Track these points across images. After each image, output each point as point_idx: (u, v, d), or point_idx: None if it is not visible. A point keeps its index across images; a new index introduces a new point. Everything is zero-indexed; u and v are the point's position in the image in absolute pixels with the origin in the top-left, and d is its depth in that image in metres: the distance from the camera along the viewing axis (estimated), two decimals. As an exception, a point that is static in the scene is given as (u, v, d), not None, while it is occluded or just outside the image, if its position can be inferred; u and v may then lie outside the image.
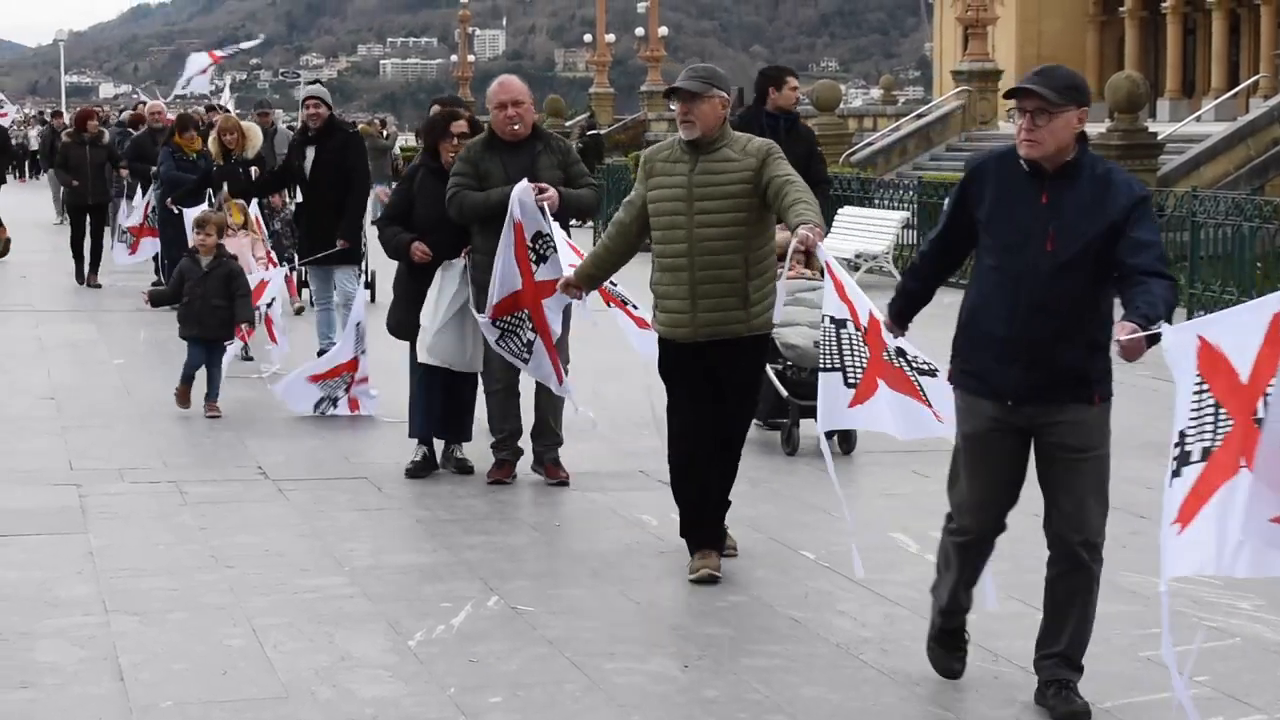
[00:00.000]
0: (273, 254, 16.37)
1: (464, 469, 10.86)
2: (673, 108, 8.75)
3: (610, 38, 68.22)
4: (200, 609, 7.88)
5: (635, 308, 9.78)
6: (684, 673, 7.05)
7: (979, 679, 6.94)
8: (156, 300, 14.33)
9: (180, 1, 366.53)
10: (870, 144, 40.00)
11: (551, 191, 9.97)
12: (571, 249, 9.69)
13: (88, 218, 22.98)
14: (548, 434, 10.66)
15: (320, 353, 14.24)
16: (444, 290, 10.58)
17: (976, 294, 6.54)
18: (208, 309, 13.09)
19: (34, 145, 52.34)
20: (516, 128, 10.19)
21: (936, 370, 7.63)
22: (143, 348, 16.89)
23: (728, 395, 8.47)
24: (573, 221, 11.01)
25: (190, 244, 13.74)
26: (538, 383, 10.37)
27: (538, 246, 9.89)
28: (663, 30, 66.73)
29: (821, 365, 7.86)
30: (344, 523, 9.61)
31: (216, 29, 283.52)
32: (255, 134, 18.05)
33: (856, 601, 8.04)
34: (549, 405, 10.56)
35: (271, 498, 10.27)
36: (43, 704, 6.61)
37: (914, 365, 7.79)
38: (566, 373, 10.30)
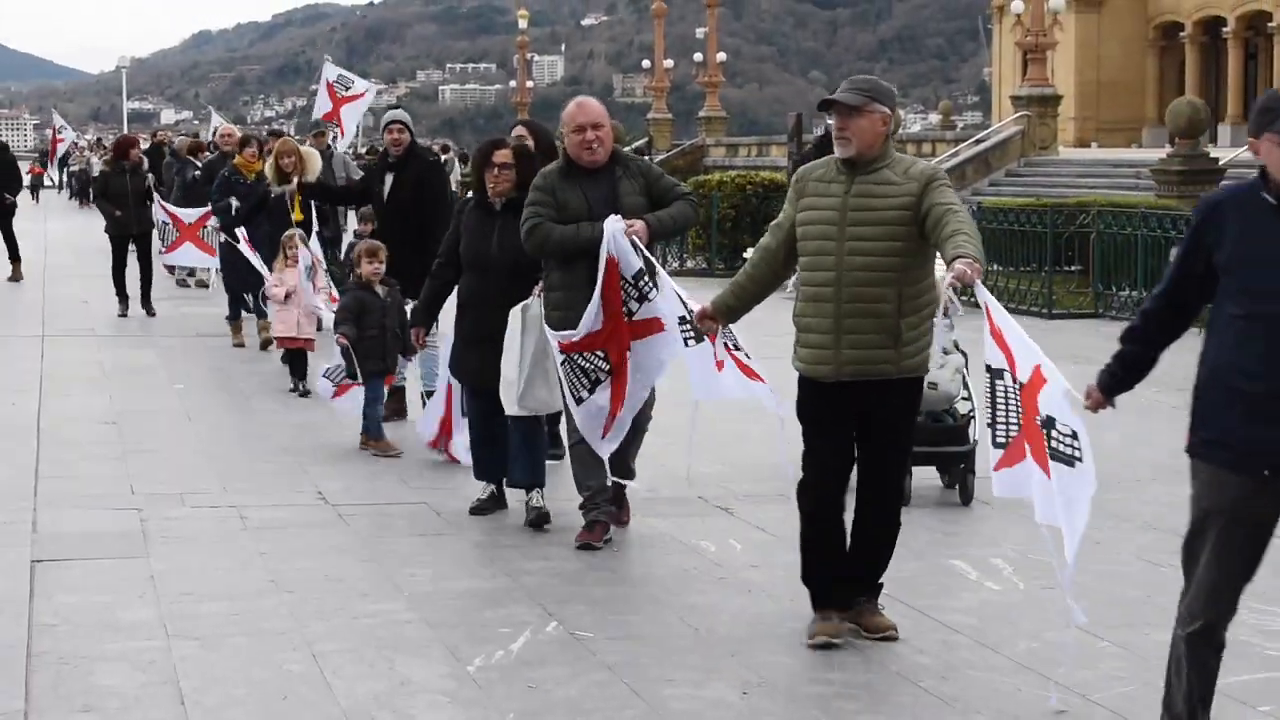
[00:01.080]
0: (334, 290, 15.22)
1: (542, 519, 10.08)
2: (829, 122, 8.31)
3: (669, 63, 68.47)
4: (260, 634, 7.90)
5: (746, 355, 8.85)
6: (743, 699, 7.03)
7: (1036, 708, 6.89)
8: (347, 333, 12.47)
9: (242, 28, 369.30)
10: (929, 170, 39.83)
11: (638, 224, 9.20)
12: (676, 293, 9.01)
13: (130, 247, 22.39)
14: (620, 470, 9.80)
15: (428, 393, 12.99)
16: (526, 337, 9.77)
17: (1218, 348, 5.84)
18: (394, 341, 12.60)
19: (95, 171, 52.57)
20: (596, 153, 9.43)
21: (1077, 459, 6.62)
22: (203, 372, 16.98)
23: (875, 439, 7.81)
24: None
25: (357, 273, 12.85)
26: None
27: (640, 285, 9.14)
28: (721, 56, 66.96)
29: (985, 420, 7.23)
30: (403, 548, 9.63)
31: (277, 55, 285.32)
32: (314, 159, 17.76)
33: (915, 628, 8.00)
34: (628, 441, 9.66)
35: (331, 523, 10.31)
36: (104, 727, 6.64)
37: (1055, 443, 6.68)
38: (630, 436, 9.61)
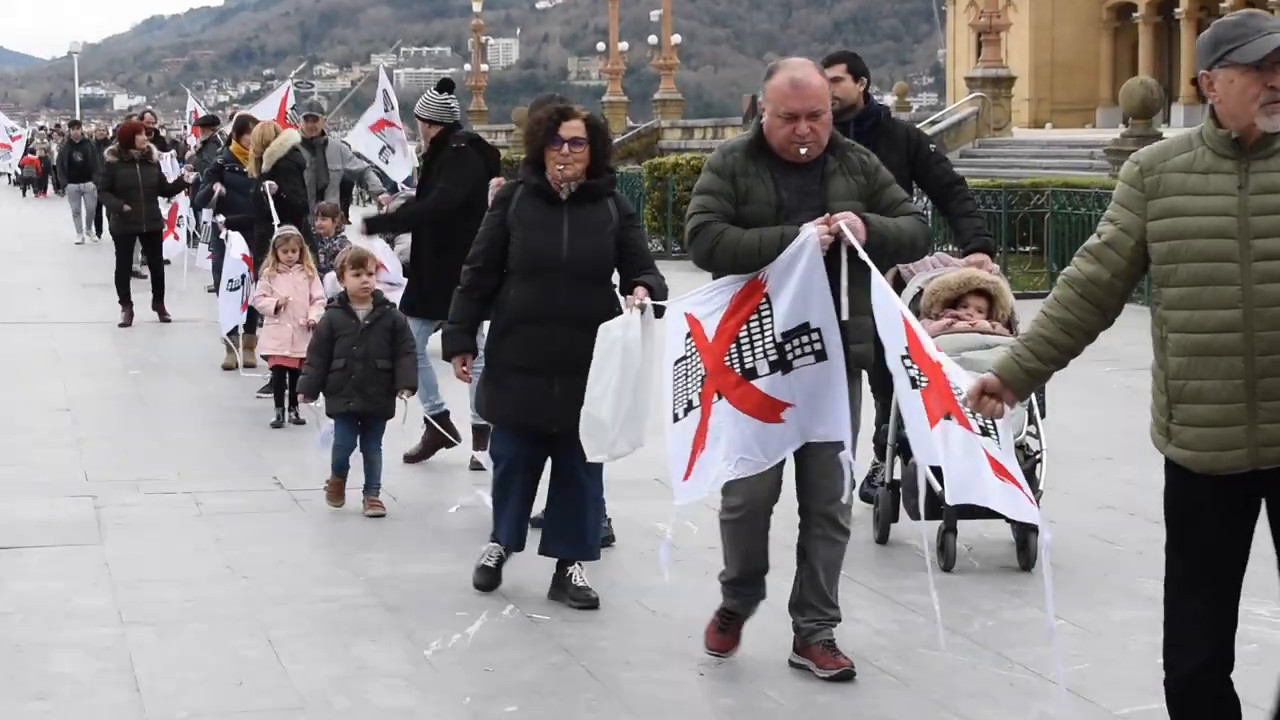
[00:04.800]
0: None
1: (588, 603, 8.10)
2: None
3: (623, 46, 68.41)
4: (216, 620, 7.88)
5: (997, 443, 6.22)
6: (699, 681, 7.04)
7: (993, 685, 6.92)
8: (310, 389, 10.38)
9: (194, 13, 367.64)
10: (884, 151, 39.94)
11: (849, 215, 6.68)
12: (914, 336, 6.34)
13: (137, 246, 20.34)
14: (815, 600, 7.18)
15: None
16: (624, 364, 7.40)
17: None
18: (371, 373, 10.13)
19: (55, 159, 51.49)
20: (810, 153, 6.86)
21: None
22: (157, 358, 16.90)
23: None
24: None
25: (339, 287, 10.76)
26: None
27: (798, 344, 6.74)
28: (676, 38, 66.89)
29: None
30: (359, 533, 9.61)
31: (230, 39, 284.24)
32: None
33: (872, 609, 8.02)
34: (826, 556, 7.12)
35: (287, 508, 10.28)
36: (59, 715, 6.62)
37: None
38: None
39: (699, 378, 6.86)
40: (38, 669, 7.13)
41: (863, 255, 6.56)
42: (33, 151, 56.77)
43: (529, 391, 7.96)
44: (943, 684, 6.95)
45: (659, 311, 7.43)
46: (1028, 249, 25.18)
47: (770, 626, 7.47)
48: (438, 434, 11.52)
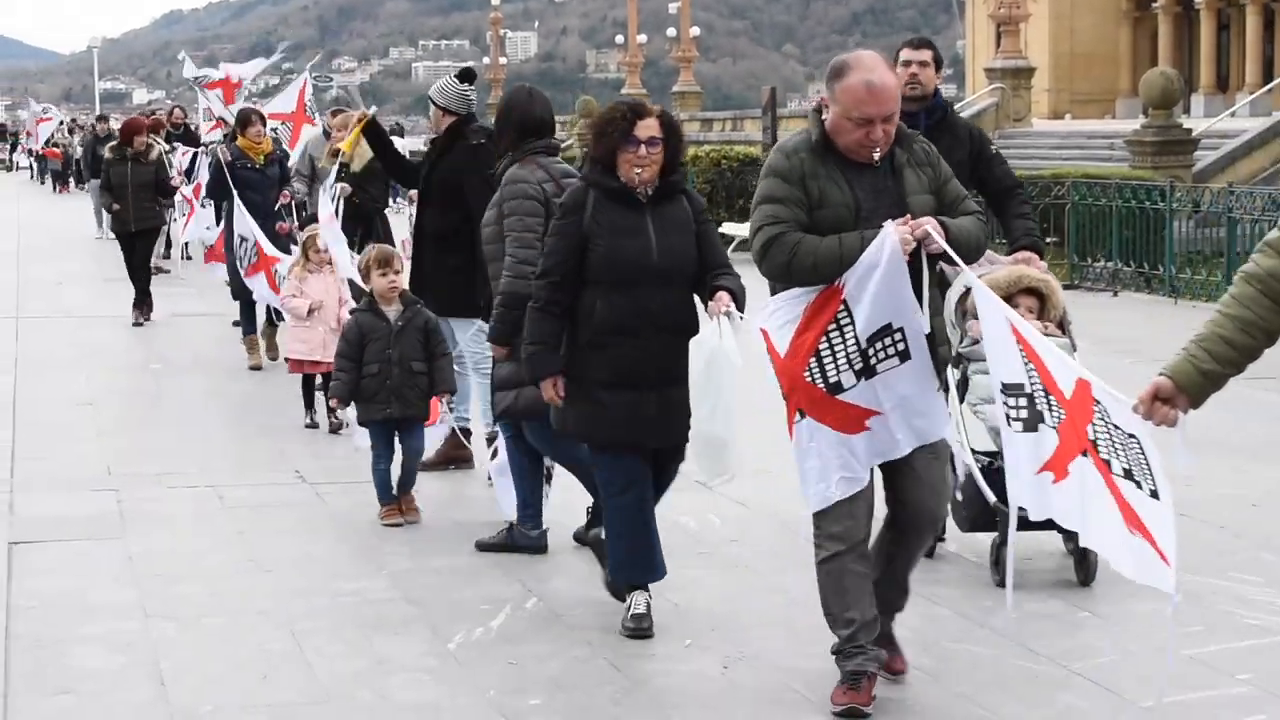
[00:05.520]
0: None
1: (642, 632, 7.56)
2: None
3: (642, 39, 68.29)
4: (239, 613, 7.88)
5: (1138, 484, 5.69)
6: (723, 673, 7.03)
7: (1017, 678, 6.91)
8: (343, 395, 9.95)
9: (213, 7, 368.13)
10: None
11: (929, 221, 6.28)
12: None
13: (135, 246, 19.72)
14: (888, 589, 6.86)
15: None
16: (729, 381, 7.00)
17: None
18: (407, 377, 9.73)
19: (78, 153, 51.27)
20: (876, 156, 6.47)
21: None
22: (179, 352, 16.90)
23: None
24: None
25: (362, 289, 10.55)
26: None
27: (881, 345, 6.31)
28: (695, 30, 66.78)
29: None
30: (382, 527, 9.59)
31: (249, 33, 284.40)
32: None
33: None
34: (909, 558, 6.87)
35: (310, 502, 10.28)
36: (83, 709, 6.62)
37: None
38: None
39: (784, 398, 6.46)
40: (61, 663, 7.14)
41: (955, 258, 6.20)
42: (55, 145, 56.83)
43: (629, 408, 7.40)
44: (968, 677, 6.93)
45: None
46: (1049, 240, 25.09)
47: (793, 618, 7.46)
48: (455, 446, 11.14)
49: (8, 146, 79.47)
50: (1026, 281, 8.62)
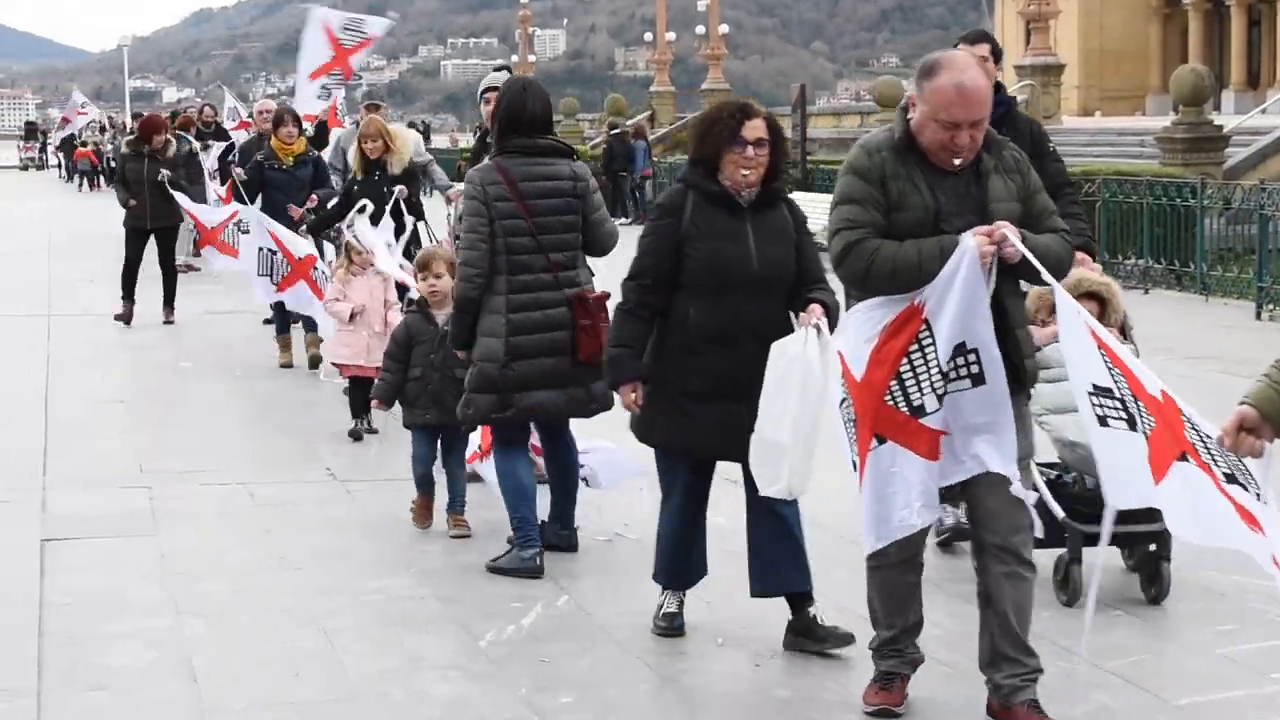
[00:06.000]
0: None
1: (843, 641, 7.29)
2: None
3: (671, 36, 68.36)
4: (270, 611, 7.90)
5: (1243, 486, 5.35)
6: (755, 671, 7.02)
7: (1050, 676, 6.88)
8: (387, 396, 9.73)
9: (242, 5, 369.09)
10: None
11: (1005, 226, 6.01)
12: None
13: (147, 244, 19.40)
14: (1011, 649, 6.40)
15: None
16: (807, 390, 6.59)
17: None
18: (449, 383, 9.22)
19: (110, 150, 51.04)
20: (959, 162, 6.19)
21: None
22: (209, 350, 16.93)
23: None
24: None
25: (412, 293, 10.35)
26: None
27: (958, 367, 6.06)
28: (723, 28, 66.84)
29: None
30: (412, 524, 9.59)
31: (279, 31, 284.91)
32: (407, 143, 14.32)
33: (925, 599, 7.97)
34: (1015, 597, 6.36)
35: (340, 499, 10.29)
36: (117, 706, 6.64)
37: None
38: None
39: (854, 423, 6.21)
40: (94, 660, 7.16)
41: (1038, 266, 5.90)
42: (85, 144, 57.07)
43: (719, 419, 7.12)
44: (1000, 675, 6.90)
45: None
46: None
47: (826, 618, 7.44)
48: None
49: (37, 145, 79.86)
50: (1086, 285, 8.29)
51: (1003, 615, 6.28)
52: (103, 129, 60.79)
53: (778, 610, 7.55)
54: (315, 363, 15.09)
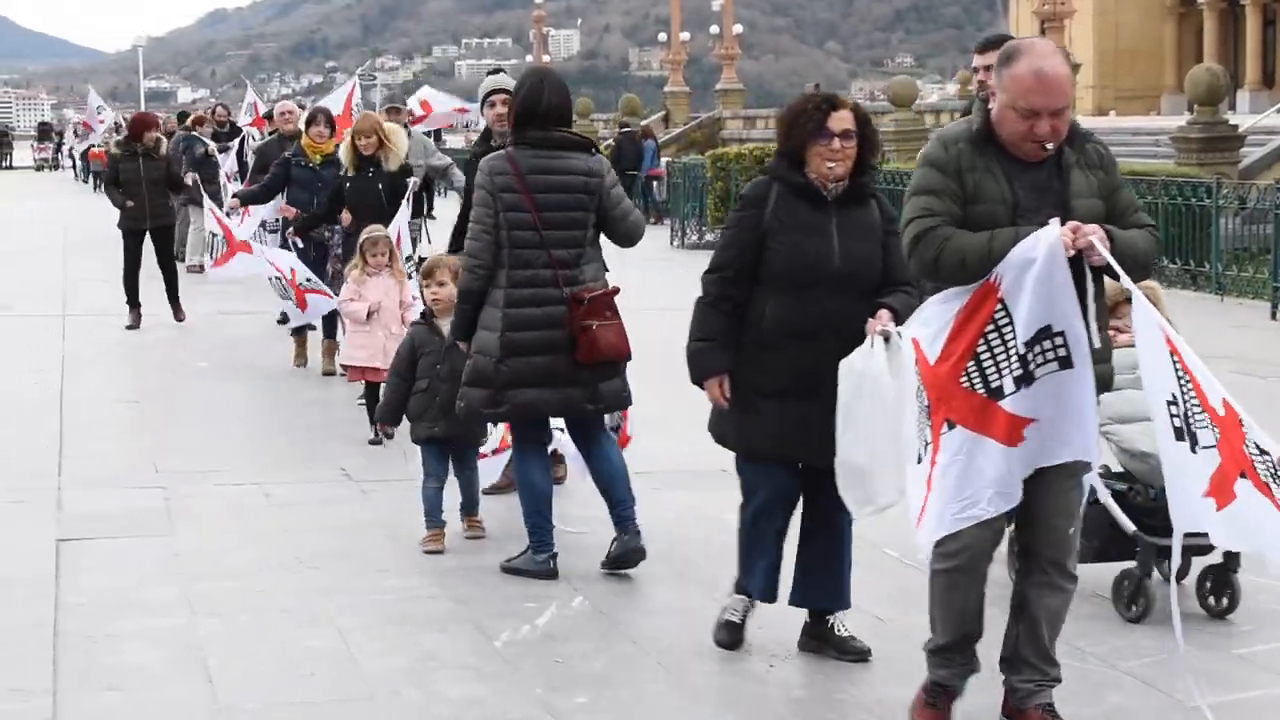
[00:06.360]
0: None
1: (859, 654, 7.20)
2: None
3: (685, 36, 68.36)
4: (285, 610, 7.90)
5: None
6: (770, 672, 7.02)
7: (1066, 677, 6.86)
8: (389, 416, 9.58)
9: (257, 5, 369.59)
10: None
11: (1093, 228, 5.80)
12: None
13: (145, 244, 19.21)
14: (1034, 656, 6.33)
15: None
16: (876, 407, 6.33)
17: None
18: (455, 394, 8.70)
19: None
20: (1047, 153, 6.02)
21: None
22: (224, 351, 16.94)
23: None
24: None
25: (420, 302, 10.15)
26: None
27: (1038, 351, 5.82)
28: (737, 28, 66.90)
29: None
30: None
31: (293, 31, 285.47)
32: (400, 140, 14.33)
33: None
34: (1051, 606, 6.27)
35: (354, 499, 10.29)
36: (131, 705, 6.64)
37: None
38: None
39: (928, 410, 6.01)
40: (109, 660, 7.16)
41: (1118, 270, 5.73)
42: (97, 145, 57.12)
43: (791, 418, 6.94)
44: (1015, 675, 6.88)
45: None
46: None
47: (840, 619, 7.43)
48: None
49: (51, 146, 79.80)
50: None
51: (1034, 621, 6.21)
52: (117, 127, 60.88)
53: (793, 612, 7.54)
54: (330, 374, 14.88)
